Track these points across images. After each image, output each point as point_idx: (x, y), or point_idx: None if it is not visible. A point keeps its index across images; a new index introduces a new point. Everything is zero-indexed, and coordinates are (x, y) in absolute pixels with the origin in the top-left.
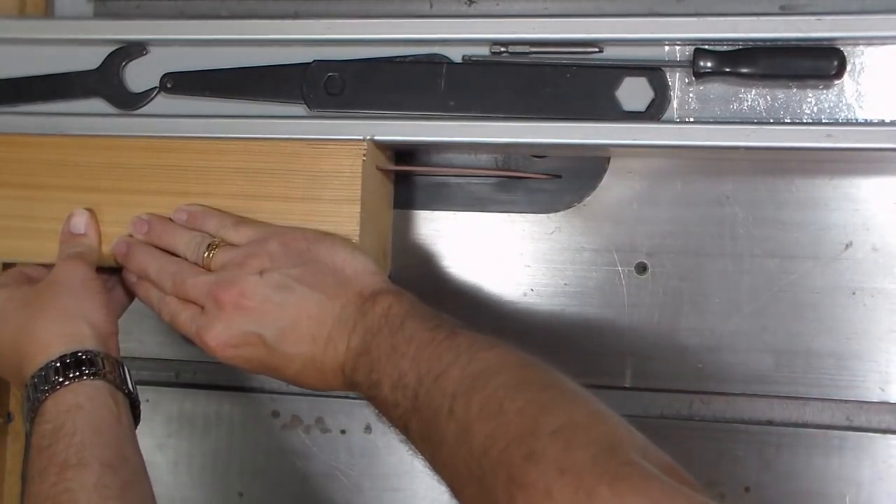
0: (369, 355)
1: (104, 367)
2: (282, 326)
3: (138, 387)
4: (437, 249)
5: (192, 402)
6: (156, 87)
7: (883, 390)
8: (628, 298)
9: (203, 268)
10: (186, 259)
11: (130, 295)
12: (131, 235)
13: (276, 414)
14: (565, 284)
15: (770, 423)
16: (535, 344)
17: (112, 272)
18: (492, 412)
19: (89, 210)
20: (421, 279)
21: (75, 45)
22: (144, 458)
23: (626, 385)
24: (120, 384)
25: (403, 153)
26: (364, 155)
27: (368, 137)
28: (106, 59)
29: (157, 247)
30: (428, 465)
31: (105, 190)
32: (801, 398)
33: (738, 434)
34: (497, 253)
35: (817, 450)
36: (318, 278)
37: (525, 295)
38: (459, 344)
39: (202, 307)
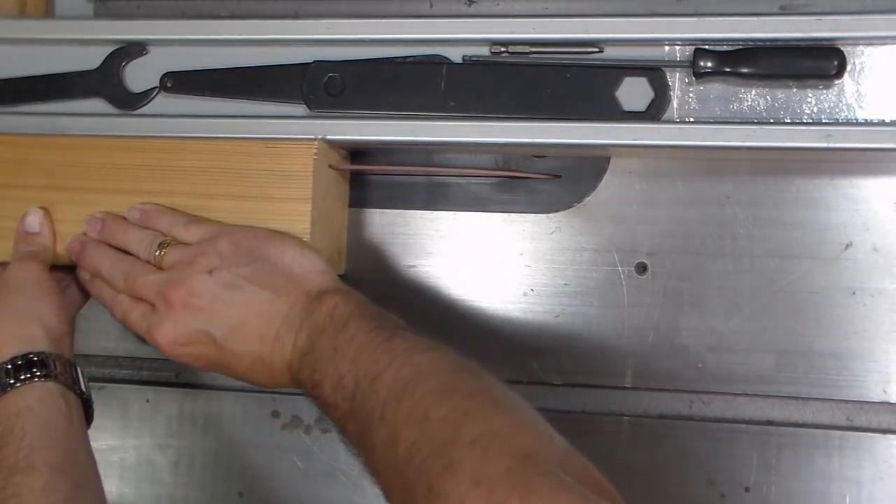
0: (313, 355)
1: (56, 369)
2: (230, 325)
3: (139, 387)
4: (437, 249)
5: (192, 402)
6: (156, 87)
7: (884, 391)
8: (628, 298)
9: (155, 266)
10: (139, 257)
11: (85, 294)
12: (85, 234)
13: (276, 414)
14: (565, 284)
15: (770, 423)
16: (535, 344)
17: (67, 271)
18: (417, 419)
19: (44, 209)
20: (421, 279)
21: (75, 45)
22: (145, 458)
23: (626, 385)
24: (72, 385)
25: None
26: (315, 154)
27: (320, 137)
28: (106, 59)
29: (110, 245)
30: (364, 468)
31: (61, 188)
32: (802, 398)
33: (738, 434)
34: (497, 253)
35: (818, 450)
36: (267, 277)
37: (525, 295)
38: (396, 347)
39: (153, 305)
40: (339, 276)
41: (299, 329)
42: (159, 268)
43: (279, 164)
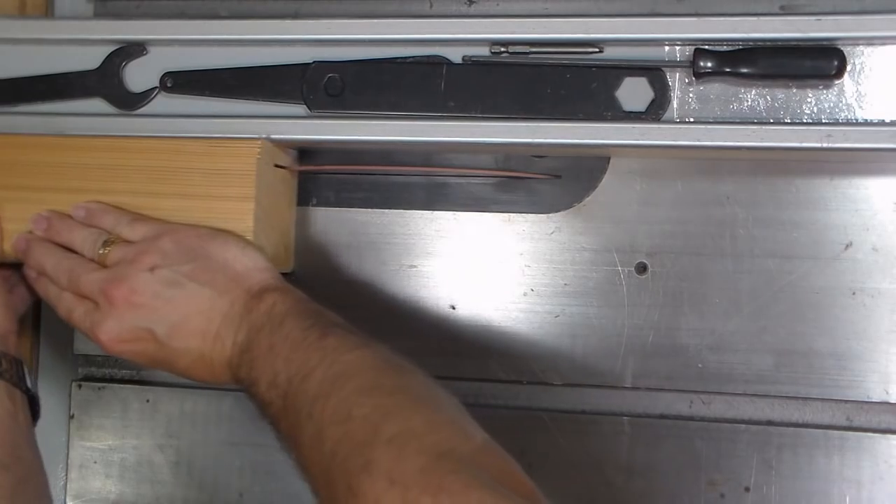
0: (251, 353)
1: (1, 366)
2: (171, 322)
3: (139, 387)
4: (437, 249)
5: (192, 402)
6: (156, 87)
7: (884, 391)
8: (628, 298)
9: (99, 264)
10: (84, 255)
11: (33, 292)
12: (32, 232)
13: None
14: (565, 284)
15: (770, 423)
16: (535, 344)
17: (15, 269)
18: (341, 417)
19: None
20: (421, 279)
21: (75, 45)
22: (145, 458)
23: (627, 385)
24: (17, 382)
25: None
26: (259, 154)
27: (263, 136)
28: (106, 59)
29: (56, 243)
30: (295, 466)
31: (7, 187)
32: (802, 398)
33: (738, 434)
34: (497, 253)
35: (818, 450)
36: (208, 275)
37: (525, 295)
38: (327, 345)
39: (97, 303)
40: (287, 273)
41: (239, 327)
42: (103, 266)
43: (222, 163)
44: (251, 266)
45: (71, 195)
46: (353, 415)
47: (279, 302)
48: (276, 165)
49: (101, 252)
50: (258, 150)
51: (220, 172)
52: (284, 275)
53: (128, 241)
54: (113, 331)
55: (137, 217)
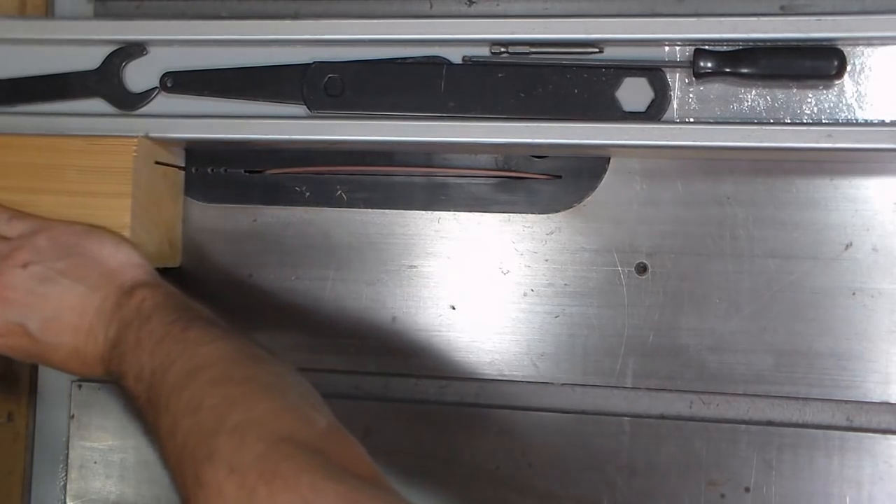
0: (120, 347)
1: None
2: (44, 317)
3: None
4: (437, 249)
5: None
6: (156, 88)
7: (886, 391)
8: (628, 298)
9: None
10: None
11: None
12: None
13: None
14: (565, 284)
15: (770, 423)
16: (535, 344)
17: None
18: (193, 408)
19: None
20: (421, 279)
21: (75, 45)
22: (145, 458)
23: (627, 385)
24: None
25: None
26: (135, 152)
27: (142, 134)
28: (106, 59)
29: None
30: (158, 458)
31: None
32: (802, 398)
33: (738, 434)
34: (497, 253)
35: (818, 450)
36: (82, 271)
37: (525, 295)
38: (188, 338)
39: None
40: (175, 268)
41: (110, 322)
42: None
43: (100, 160)
44: (125, 262)
45: None
46: (203, 405)
47: (148, 297)
48: (157, 163)
49: None
50: (135, 147)
51: (97, 169)
52: (173, 269)
53: (4, 238)
54: None
55: (15, 214)
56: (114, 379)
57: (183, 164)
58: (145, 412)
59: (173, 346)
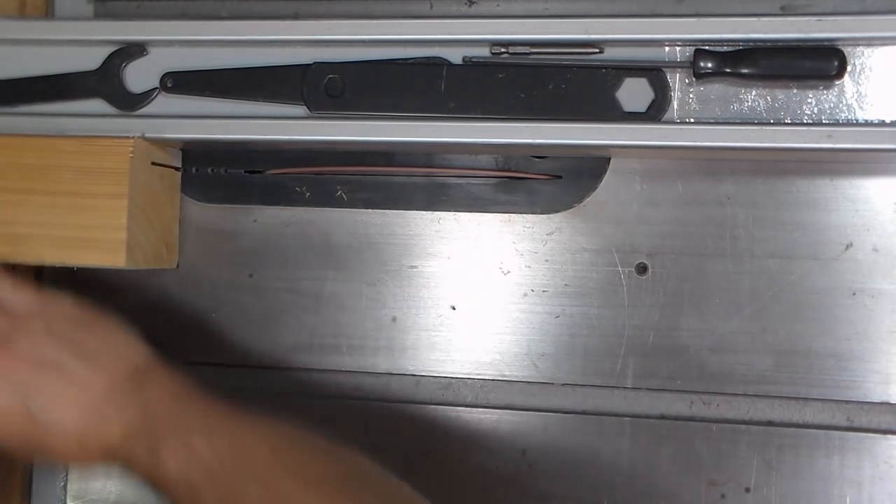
0: (148, 429)
1: None
2: (48, 394)
3: None
4: (437, 249)
5: None
6: (156, 88)
7: (886, 392)
8: (628, 299)
9: None
10: None
11: None
12: None
13: None
14: (565, 285)
15: (771, 423)
16: (535, 344)
17: None
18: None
19: None
20: (421, 279)
21: (75, 45)
22: None
23: (627, 385)
24: None
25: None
26: (131, 153)
27: (138, 135)
28: (106, 59)
29: None
30: None
31: None
32: (802, 398)
33: (738, 434)
34: (497, 253)
35: (818, 450)
36: (88, 349)
37: (525, 295)
38: (241, 422)
39: None
40: (172, 269)
41: (127, 403)
42: None
43: (95, 161)
44: (131, 342)
45: None
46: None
47: (168, 378)
48: (154, 163)
49: None
50: (131, 148)
51: (92, 170)
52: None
53: (6, 313)
54: None
55: (18, 285)
56: (131, 465)
57: (180, 165)
58: (197, 491)
59: (233, 429)
